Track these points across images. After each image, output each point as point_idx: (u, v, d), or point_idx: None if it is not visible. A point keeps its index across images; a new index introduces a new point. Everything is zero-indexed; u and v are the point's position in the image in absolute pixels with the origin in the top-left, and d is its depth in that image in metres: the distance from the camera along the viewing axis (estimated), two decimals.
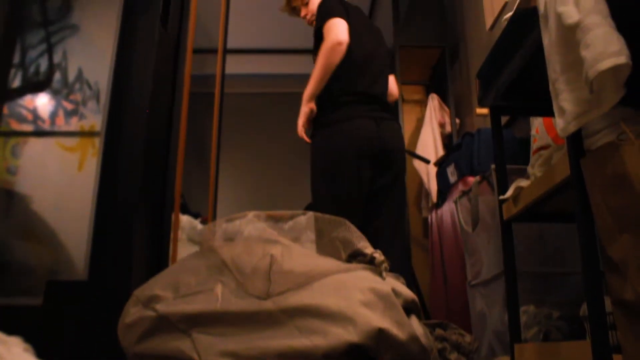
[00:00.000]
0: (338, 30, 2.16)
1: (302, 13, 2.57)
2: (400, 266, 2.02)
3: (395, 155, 2.26)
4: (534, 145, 1.82)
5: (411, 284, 2.12)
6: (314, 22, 2.45)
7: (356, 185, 2.13)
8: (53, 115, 1.84)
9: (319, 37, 2.27)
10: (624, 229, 1.04)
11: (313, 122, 2.26)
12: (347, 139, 2.13)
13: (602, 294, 1.17)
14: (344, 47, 2.15)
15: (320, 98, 2.21)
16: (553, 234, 2.11)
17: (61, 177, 1.76)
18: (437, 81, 4.53)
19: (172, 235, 1.98)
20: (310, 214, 1.29)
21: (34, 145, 1.83)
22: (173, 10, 1.93)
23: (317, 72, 2.17)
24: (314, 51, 2.34)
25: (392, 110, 2.39)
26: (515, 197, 1.64)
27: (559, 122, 1.12)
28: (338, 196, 2.11)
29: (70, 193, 1.74)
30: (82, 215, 1.67)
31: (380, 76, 2.38)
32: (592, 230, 1.18)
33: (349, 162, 2.12)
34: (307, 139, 2.25)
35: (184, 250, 2.47)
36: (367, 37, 2.36)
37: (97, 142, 1.76)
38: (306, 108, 2.21)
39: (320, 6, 2.34)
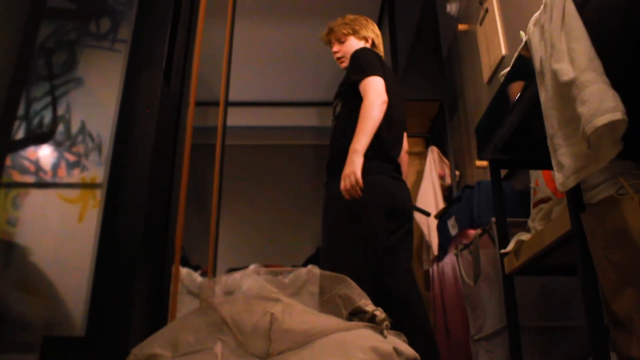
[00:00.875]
0: (380, 89, 2.19)
1: (334, 48, 2.56)
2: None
3: (408, 214, 2.28)
4: (534, 198, 1.83)
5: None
6: (343, 64, 2.49)
7: (383, 235, 2.11)
8: (55, 166, 1.85)
9: (350, 87, 2.30)
10: (627, 283, 1.03)
11: (333, 172, 2.21)
12: (372, 192, 2.10)
13: (608, 349, 1.15)
14: (385, 107, 2.17)
15: (345, 150, 2.15)
16: (556, 286, 2.08)
17: (61, 229, 1.76)
18: (436, 134, 4.57)
19: (171, 288, 1.96)
20: (310, 268, 1.28)
21: (35, 197, 1.83)
22: (176, 66, 1.97)
23: (368, 127, 2.12)
24: (340, 97, 2.37)
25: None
26: (517, 251, 1.63)
27: (558, 176, 1.12)
28: (365, 244, 2.06)
29: (70, 245, 1.73)
30: (82, 267, 1.66)
31: (400, 139, 2.40)
32: (596, 285, 1.17)
33: (376, 213, 2.11)
34: (360, 193, 2.08)
35: (183, 303, 2.44)
36: (396, 97, 2.36)
37: (98, 194, 1.76)
38: (361, 160, 2.08)
39: (358, 57, 2.35)
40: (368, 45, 2.52)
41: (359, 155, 2.07)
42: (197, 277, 3.33)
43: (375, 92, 2.17)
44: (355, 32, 2.52)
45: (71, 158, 1.84)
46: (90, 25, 2.02)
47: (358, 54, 2.36)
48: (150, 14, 1.92)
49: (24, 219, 1.79)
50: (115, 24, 2.01)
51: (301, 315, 1.10)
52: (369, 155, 2.12)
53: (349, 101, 2.29)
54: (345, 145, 2.15)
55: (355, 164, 2.05)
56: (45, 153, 1.87)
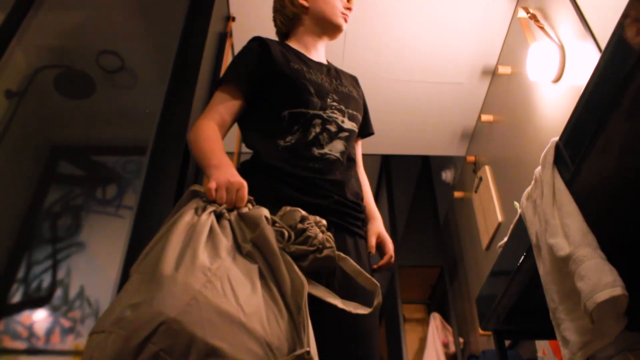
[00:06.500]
0: None
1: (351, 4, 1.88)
2: None
3: None
4: None
5: None
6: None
7: None
8: (49, 332, 1.81)
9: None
10: None
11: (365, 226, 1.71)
12: None
13: None
14: None
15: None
16: None
17: None
18: (437, 299, 4.53)
19: None
20: None
21: None
22: None
23: None
24: (353, 135, 1.70)
25: None
26: None
27: (564, 352, 1.10)
28: None
29: None
30: None
31: None
32: None
33: None
34: None
35: None
36: None
37: None
38: None
39: None
40: None
41: None
42: None
43: None
44: None
45: (66, 324, 1.81)
46: (96, 191, 2.08)
47: None
48: (156, 183, 1.98)
49: None
50: (121, 191, 2.07)
51: None
52: None
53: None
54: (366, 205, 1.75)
55: None
56: (40, 318, 1.84)
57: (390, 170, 5.01)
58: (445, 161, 4.54)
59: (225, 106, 1.59)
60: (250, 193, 1.29)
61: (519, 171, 2.92)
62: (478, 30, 3.25)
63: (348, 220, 1.50)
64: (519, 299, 1.55)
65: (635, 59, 0.91)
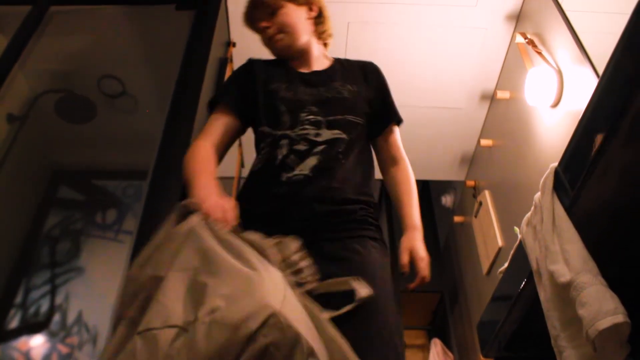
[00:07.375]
0: None
1: (264, 23, 1.71)
2: None
3: None
4: None
5: None
6: (281, 41, 1.70)
7: None
8: (46, 359, 1.79)
9: (372, 116, 1.74)
10: None
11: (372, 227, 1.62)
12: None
13: None
14: None
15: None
16: None
17: None
18: (438, 325, 4.49)
19: None
20: None
21: None
22: None
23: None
24: (363, 115, 1.67)
25: None
26: None
27: None
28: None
29: None
30: None
31: None
32: None
33: None
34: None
35: None
36: None
37: None
38: None
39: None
40: (313, 15, 1.76)
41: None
42: None
43: None
44: None
45: (64, 350, 1.79)
46: (96, 216, 2.08)
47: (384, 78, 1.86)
48: (157, 208, 1.97)
49: None
50: (121, 216, 2.07)
51: None
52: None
53: (364, 136, 1.68)
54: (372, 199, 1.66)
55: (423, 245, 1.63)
56: (37, 343, 1.82)
57: (389, 195, 5.01)
58: (444, 186, 4.54)
59: (220, 126, 1.59)
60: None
61: (519, 196, 2.92)
62: (476, 55, 3.27)
63: (320, 233, 1.39)
64: (520, 325, 1.54)
65: (632, 84, 0.91)
